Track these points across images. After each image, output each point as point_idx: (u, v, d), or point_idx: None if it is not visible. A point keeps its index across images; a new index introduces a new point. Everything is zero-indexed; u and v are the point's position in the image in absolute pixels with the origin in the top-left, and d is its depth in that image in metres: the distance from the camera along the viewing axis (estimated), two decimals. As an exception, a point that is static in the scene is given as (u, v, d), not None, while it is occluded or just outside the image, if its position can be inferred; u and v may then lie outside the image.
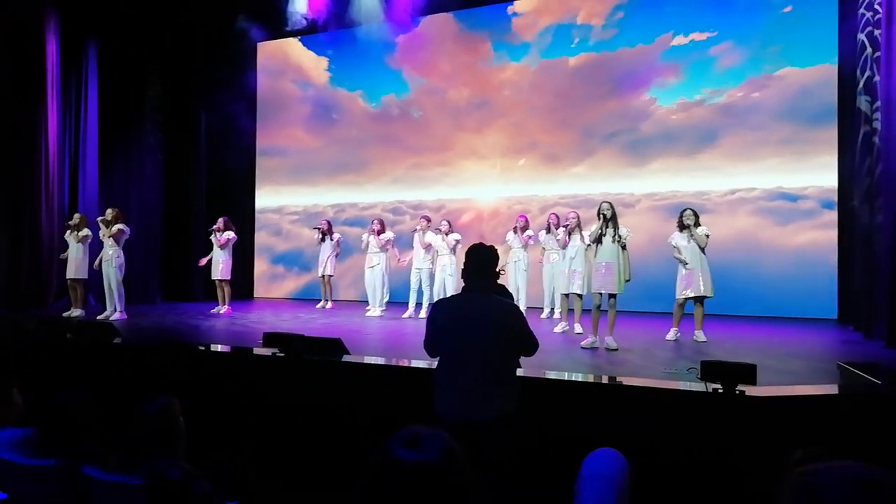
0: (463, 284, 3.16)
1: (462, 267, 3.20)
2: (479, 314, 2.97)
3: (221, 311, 9.00)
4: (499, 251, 3.32)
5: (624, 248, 6.06)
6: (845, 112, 7.99)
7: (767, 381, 3.81)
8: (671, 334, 6.43)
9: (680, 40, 9.39)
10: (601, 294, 6.08)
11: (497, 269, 3.30)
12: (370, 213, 11.13)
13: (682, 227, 6.53)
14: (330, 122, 11.81)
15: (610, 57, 9.83)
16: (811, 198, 8.57)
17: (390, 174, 11.36)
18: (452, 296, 3.40)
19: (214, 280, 9.22)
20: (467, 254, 3.17)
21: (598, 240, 6.10)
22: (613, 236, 6.02)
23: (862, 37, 7.03)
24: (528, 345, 3.08)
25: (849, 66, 7.63)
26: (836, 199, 8.34)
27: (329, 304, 9.69)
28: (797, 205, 8.64)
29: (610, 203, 6.17)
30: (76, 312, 8.39)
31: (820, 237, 8.45)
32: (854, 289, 7.49)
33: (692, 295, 6.41)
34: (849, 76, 7.64)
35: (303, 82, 11.95)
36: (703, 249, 6.43)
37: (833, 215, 8.36)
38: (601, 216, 6.09)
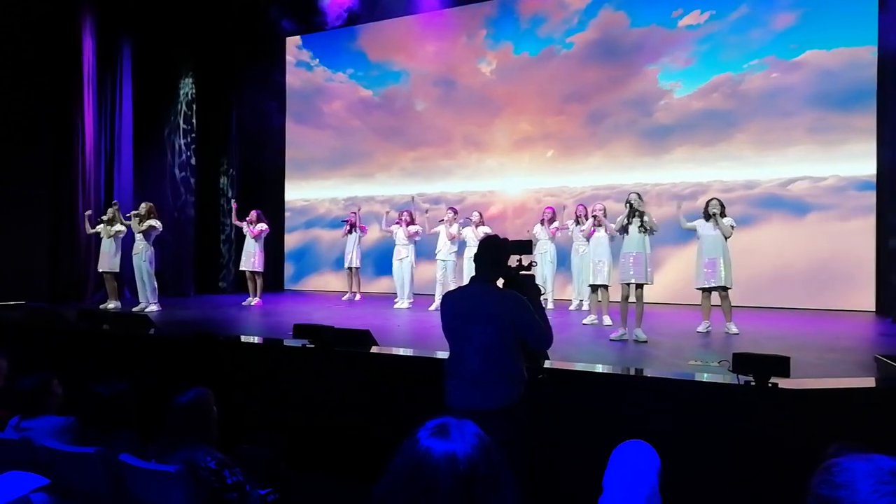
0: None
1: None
2: (481, 305, 3.00)
3: (253, 303, 9.14)
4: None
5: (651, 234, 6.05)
6: (885, 96, 7.73)
7: (802, 374, 3.74)
8: (702, 327, 6.35)
9: (694, 19, 9.17)
10: (629, 285, 6.04)
11: (529, 262, 3.34)
12: (370, 208, 11.23)
13: (708, 216, 6.46)
14: (344, 116, 11.90)
15: (617, 39, 9.63)
16: (848, 186, 8.34)
17: (406, 168, 11.39)
18: (459, 287, 3.43)
19: (246, 271, 9.35)
20: (479, 245, 3.24)
21: (624, 229, 6.07)
22: (640, 226, 5.97)
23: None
24: (535, 337, 3.03)
25: (890, 47, 7.35)
26: (874, 187, 8.11)
27: (357, 297, 9.77)
28: (833, 194, 8.40)
29: (638, 193, 6.13)
30: (112, 304, 8.59)
31: (857, 227, 8.21)
32: (893, 280, 7.29)
33: (714, 284, 6.36)
34: (890, 59, 7.37)
35: (326, 77, 12.03)
36: (726, 240, 6.39)
37: (872, 205, 8.12)
38: (628, 205, 6.06)
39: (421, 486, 1.18)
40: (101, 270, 8.67)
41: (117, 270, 8.70)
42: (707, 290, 6.47)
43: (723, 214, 6.42)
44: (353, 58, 11.74)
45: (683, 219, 6.65)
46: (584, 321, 7.09)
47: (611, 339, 5.88)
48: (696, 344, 5.78)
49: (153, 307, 8.23)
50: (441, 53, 10.87)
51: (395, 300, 8.99)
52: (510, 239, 3.41)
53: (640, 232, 5.99)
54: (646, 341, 5.69)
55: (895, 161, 7.28)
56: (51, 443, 2.73)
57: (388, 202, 11.27)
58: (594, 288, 7.19)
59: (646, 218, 6.01)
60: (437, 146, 11.12)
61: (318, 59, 12.12)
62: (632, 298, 6.01)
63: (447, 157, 11.04)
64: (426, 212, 9.06)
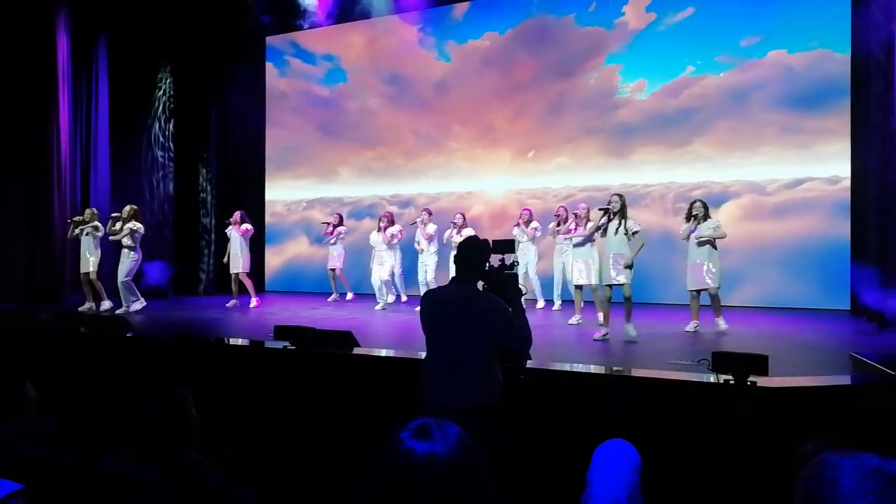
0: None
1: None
2: (458, 305, 3.02)
3: (252, 305, 8.99)
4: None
5: (629, 239, 6.10)
6: (858, 97, 7.80)
7: (779, 373, 3.79)
8: (691, 326, 6.42)
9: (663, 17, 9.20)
10: (611, 286, 6.10)
11: (512, 262, 3.36)
12: (340, 209, 11.21)
13: (691, 218, 6.53)
14: (324, 117, 11.83)
15: (581, 37, 9.62)
16: (822, 187, 8.45)
17: (373, 169, 11.36)
18: (439, 287, 3.44)
19: (233, 273, 9.19)
20: (458, 246, 3.25)
21: (602, 232, 6.18)
22: (617, 228, 6.04)
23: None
24: (513, 340, 3.04)
25: (863, 48, 7.42)
26: (849, 188, 8.23)
27: (350, 295, 9.69)
28: (808, 194, 8.51)
29: (619, 195, 6.23)
30: (106, 305, 8.48)
31: (832, 227, 8.32)
32: (867, 278, 7.39)
33: (699, 287, 6.42)
34: (863, 59, 7.43)
35: (302, 77, 11.95)
36: (714, 240, 6.45)
37: (846, 205, 8.25)
38: (608, 209, 6.17)
39: (403, 487, 1.18)
40: (83, 271, 8.52)
41: (96, 270, 8.55)
42: (696, 292, 6.54)
43: (706, 216, 6.50)
44: (318, 57, 11.68)
45: (682, 231, 6.71)
46: (570, 321, 7.12)
47: (594, 339, 5.92)
48: (677, 343, 5.83)
49: (138, 305, 8.19)
50: (404, 54, 10.82)
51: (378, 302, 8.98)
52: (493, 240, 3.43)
53: (615, 234, 6.08)
54: (635, 338, 5.74)
55: (869, 161, 7.39)
56: (26, 447, 2.67)
57: (356, 203, 11.27)
58: (578, 288, 7.22)
59: (628, 222, 6.07)
60: (396, 147, 11.10)
61: (290, 59, 12.03)
62: (615, 298, 6.06)
63: (412, 159, 11.01)
64: (413, 223, 9.00)
